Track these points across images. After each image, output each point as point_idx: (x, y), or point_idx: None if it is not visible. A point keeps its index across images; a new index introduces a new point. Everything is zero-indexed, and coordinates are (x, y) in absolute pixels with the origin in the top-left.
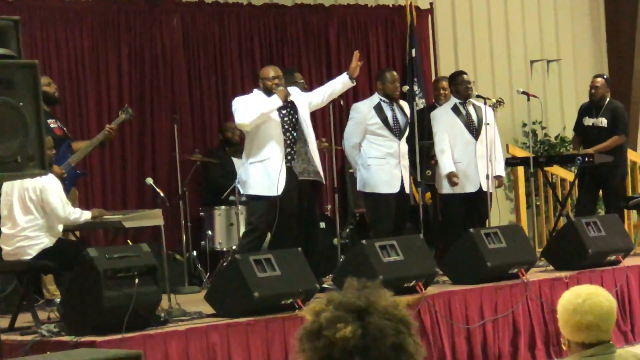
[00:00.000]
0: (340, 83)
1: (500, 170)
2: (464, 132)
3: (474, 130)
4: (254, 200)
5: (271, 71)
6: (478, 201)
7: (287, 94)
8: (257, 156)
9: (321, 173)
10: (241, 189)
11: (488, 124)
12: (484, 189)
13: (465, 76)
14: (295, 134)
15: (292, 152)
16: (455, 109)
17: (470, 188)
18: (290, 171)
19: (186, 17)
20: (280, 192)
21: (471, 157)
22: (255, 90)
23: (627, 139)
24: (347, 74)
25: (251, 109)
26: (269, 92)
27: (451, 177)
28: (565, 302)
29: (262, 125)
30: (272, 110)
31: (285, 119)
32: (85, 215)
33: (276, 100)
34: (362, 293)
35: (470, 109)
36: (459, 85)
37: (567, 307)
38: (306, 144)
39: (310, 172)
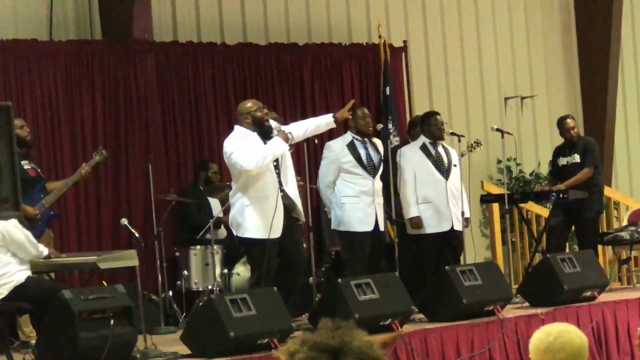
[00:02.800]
0: (325, 124)
1: (467, 212)
2: (433, 171)
3: (444, 170)
4: (255, 245)
5: (251, 103)
6: (451, 240)
7: (289, 138)
8: (254, 197)
9: (302, 211)
10: (235, 231)
11: (455, 165)
12: (456, 227)
13: (438, 117)
14: (280, 172)
15: (282, 190)
16: (424, 149)
17: (443, 227)
18: (286, 210)
19: (160, 57)
20: (279, 234)
21: (443, 197)
22: (237, 127)
23: (600, 171)
24: (334, 116)
25: (255, 152)
26: (258, 125)
27: (414, 222)
28: (537, 341)
29: None
30: (281, 154)
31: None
32: (45, 250)
33: (282, 144)
34: (336, 333)
35: (440, 149)
36: (432, 126)
37: (539, 346)
38: (287, 182)
39: (293, 210)
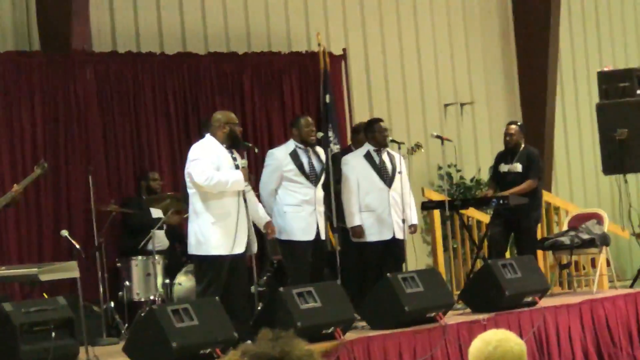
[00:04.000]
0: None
1: (414, 218)
2: (376, 180)
3: (387, 178)
4: (216, 261)
5: (233, 116)
6: (393, 248)
7: (250, 179)
8: (218, 214)
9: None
10: (194, 249)
11: (400, 172)
12: (397, 236)
13: (382, 124)
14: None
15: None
16: (367, 157)
17: (385, 235)
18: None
19: (99, 67)
20: (243, 249)
21: (385, 205)
22: (209, 136)
23: (541, 183)
24: (266, 227)
25: (212, 173)
26: (232, 139)
27: (355, 231)
28: (476, 351)
29: None
30: (233, 189)
31: None
32: None
33: (240, 183)
34: (277, 343)
35: (385, 157)
36: (376, 132)
37: (478, 356)
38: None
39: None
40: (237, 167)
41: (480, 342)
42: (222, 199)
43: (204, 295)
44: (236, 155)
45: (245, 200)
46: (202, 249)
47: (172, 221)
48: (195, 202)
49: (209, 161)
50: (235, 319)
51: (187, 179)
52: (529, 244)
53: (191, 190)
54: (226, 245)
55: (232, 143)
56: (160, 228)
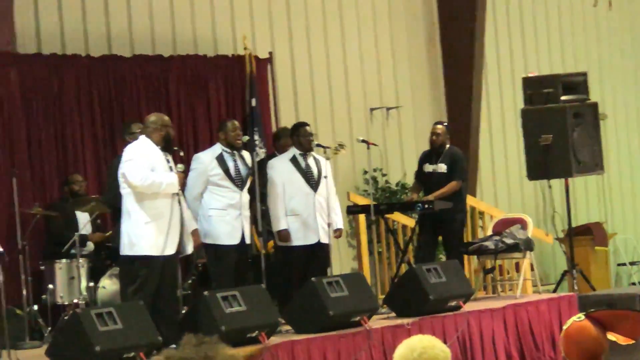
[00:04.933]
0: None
1: (339, 222)
2: (302, 184)
3: (313, 182)
4: (148, 262)
5: (167, 118)
6: (318, 252)
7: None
8: (152, 214)
9: (189, 241)
10: (126, 249)
11: (326, 177)
12: (322, 240)
13: (307, 128)
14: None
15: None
16: (293, 161)
17: (310, 239)
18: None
19: (24, 69)
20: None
21: (310, 209)
22: (143, 138)
23: (466, 184)
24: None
25: (147, 174)
26: (167, 142)
27: (281, 235)
28: (401, 358)
29: None
30: (167, 192)
31: None
32: None
33: (174, 186)
34: (200, 348)
35: (311, 161)
36: (301, 137)
37: None
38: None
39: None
40: (171, 169)
41: (406, 349)
42: (156, 200)
43: (135, 295)
44: (169, 157)
45: (179, 202)
46: (135, 249)
47: (95, 239)
48: (128, 203)
49: (144, 162)
50: (163, 321)
51: (121, 179)
52: (455, 247)
53: (124, 191)
54: (158, 246)
55: (166, 145)
56: (85, 233)
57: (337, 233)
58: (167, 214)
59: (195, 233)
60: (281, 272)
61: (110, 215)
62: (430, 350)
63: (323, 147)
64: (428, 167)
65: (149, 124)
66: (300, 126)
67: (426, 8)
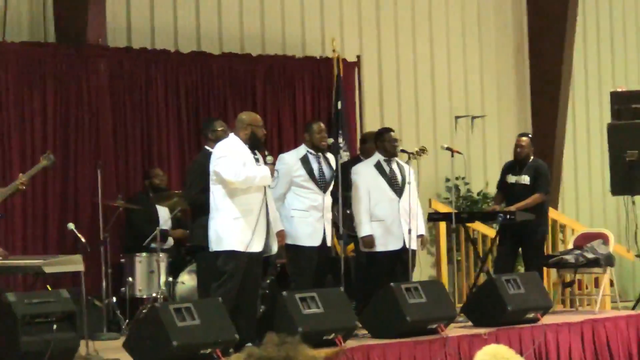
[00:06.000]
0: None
1: (422, 229)
2: (387, 190)
3: (397, 188)
4: (233, 257)
5: (256, 117)
6: (402, 258)
7: (275, 176)
8: (242, 210)
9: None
10: (214, 245)
11: (409, 182)
12: (407, 246)
13: (392, 134)
14: (266, 192)
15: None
16: (378, 166)
17: (394, 245)
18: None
19: (113, 62)
20: (260, 249)
21: (395, 215)
22: (232, 136)
23: (549, 197)
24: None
25: (240, 169)
26: (253, 141)
27: (366, 241)
28: None
29: None
30: (261, 184)
31: None
32: None
33: (267, 179)
34: (282, 348)
35: (395, 167)
36: (386, 142)
37: None
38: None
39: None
40: (258, 162)
41: (485, 356)
42: (247, 195)
43: (218, 291)
44: (258, 156)
45: (266, 203)
46: (221, 245)
47: (176, 235)
48: (218, 198)
49: (237, 157)
50: (242, 319)
51: (213, 177)
52: (535, 259)
53: (215, 187)
54: (244, 242)
55: (252, 144)
56: (166, 228)
57: (420, 240)
58: (257, 210)
59: (280, 234)
60: (363, 277)
61: (190, 212)
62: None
63: (407, 152)
64: (511, 178)
65: (237, 122)
66: (385, 132)
67: (516, 18)
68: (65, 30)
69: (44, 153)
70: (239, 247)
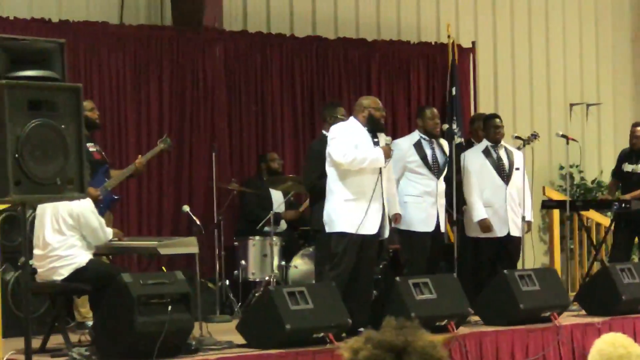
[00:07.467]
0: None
1: (529, 215)
2: (494, 176)
3: (505, 175)
4: (344, 238)
5: (372, 101)
6: (508, 245)
7: (390, 156)
8: (355, 192)
9: (387, 225)
10: (328, 228)
11: (518, 169)
12: (513, 233)
13: (497, 120)
14: (382, 175)
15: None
16: (486, 152)
17: (500, 232)
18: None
19: (229, 46)
20: (374, 231)
21: (502, 201)
22: (352, 119)
23: None
24: (393, 217)
25: (353, 151)
26: (370, 124)
27: (483, 224)
28: (601, 353)
29: None
30: (372, 167)
31: None
32: (110, 234)
33: (380, 160)
34: (401, 332)
35: (502, 152)
36: (489, 129)
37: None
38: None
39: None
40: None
41: (605, 344)
42: (360, 177)
43: (331, 273)
44: (379, 139)
45: (382, 185)
46: (332, 226)
47: (288, 217)
48: (331, 181)
49: (347, 139)
50: (356, 304)
51: (328, 158)
52: None
53: (329, 169)
54: (354, 224)
55: (371, 127)
56: (278, 215)
57: (527, 226)
58: (369, 192)
59: (396, 217)
60: (470, 264)
61: (309, 198)
62: (632, 348)
63: (522, 139)
64: (627, 167)
65: (356, 105)
66: (490, 118)
67: (633, 4)
68: (182, 14)
69: (159, 136)
70: (350, 229)
